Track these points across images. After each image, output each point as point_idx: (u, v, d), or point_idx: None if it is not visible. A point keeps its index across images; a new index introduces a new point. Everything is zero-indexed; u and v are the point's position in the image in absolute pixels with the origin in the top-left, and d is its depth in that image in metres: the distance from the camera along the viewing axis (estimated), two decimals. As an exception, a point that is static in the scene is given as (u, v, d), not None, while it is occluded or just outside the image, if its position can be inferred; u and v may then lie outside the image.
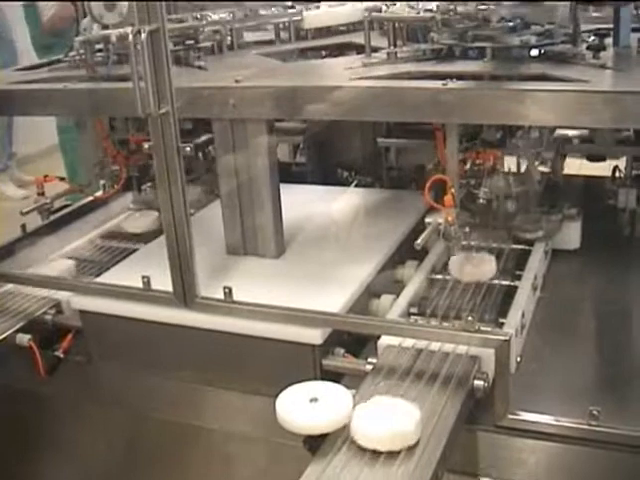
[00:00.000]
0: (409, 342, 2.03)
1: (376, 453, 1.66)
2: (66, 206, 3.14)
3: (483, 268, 2.40)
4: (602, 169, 2.99)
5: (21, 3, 6.52)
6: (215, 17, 2.79)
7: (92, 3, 2.53)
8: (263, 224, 2.43)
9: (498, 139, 2.40)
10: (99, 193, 3.01)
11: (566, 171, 2.88)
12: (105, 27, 2.61)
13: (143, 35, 1.89)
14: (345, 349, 2.14)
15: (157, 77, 1.94)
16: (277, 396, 1.80)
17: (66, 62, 2.85)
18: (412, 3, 2.59)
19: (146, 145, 2.09)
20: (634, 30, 2.37)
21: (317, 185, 3.12)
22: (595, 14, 2.62)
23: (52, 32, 6.16)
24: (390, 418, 1.69)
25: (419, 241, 2.15)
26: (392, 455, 1.66)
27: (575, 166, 3.09)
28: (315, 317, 2.07)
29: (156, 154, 2.04)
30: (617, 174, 2.87)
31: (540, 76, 2.06)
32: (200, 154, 2.93)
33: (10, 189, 7.86)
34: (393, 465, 1.64)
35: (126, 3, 2.53)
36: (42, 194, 2.86)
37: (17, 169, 8.22)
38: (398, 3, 2.60)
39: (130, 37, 1.91)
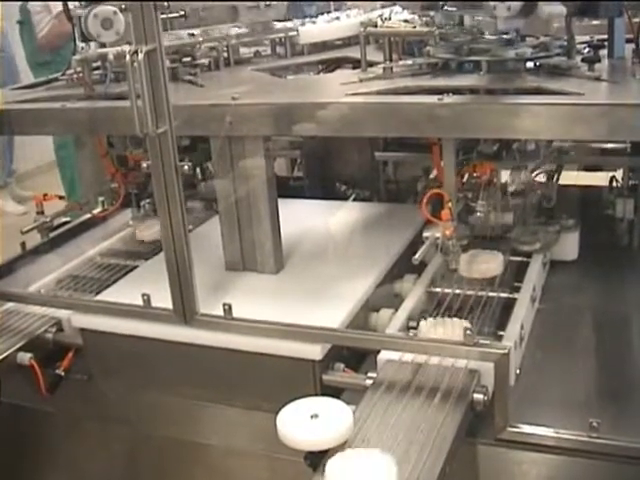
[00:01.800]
0: (409, 356, 2.03)
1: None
2: (66, 223, 3.14)
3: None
4: (599, 179, 3.01)
5: (16, 20, 6.53)
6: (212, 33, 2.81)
7: (89, 22, 2.53)
8: (262, 240, 2.43)
9: (495, 152, 2.41)
10: (98, 210, 3.02)
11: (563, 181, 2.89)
12: (102, 45, 2.62)
13: (140, 55, 1.90)
14: (345, 364, 2.15)
15: (155, 97, 1.95)
16: (278, 412, 1.80)
17: (63, 80, 2.86)
18: (408, 17, 2.61)
19: (144, 164, 2.09)
20: (628, 41, 2.37)
21: (315, 199, 3.13)
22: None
23: (48, 49, 6.16)
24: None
25: (417, 256, 2.16)
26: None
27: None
28: (315, 333, 2.07)
29: (154, 173, 2.05)
30: (614, 184, 2.88)
31: (535, 89, 2.07)
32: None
33: (9, 205, 7.87)
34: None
35: (122, 22, 2.54)
36: (42, 213, 2.86)
37: (16, 185, 8.23)
38: (394, 17, 2.62)
39: (127, 57, 1.92)
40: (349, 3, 3.40)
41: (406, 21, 2.62)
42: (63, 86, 2.81)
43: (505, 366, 1.89)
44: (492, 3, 1.99)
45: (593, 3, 2.19)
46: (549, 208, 2.69)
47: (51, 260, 2.89)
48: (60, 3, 5.04)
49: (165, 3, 1.93)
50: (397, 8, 2.90)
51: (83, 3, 2.57)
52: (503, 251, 2.50)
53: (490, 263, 2.43)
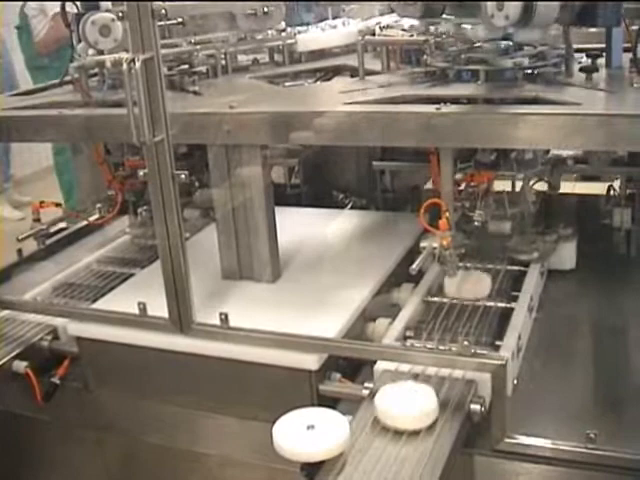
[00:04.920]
0: (405, 366, 2.02)
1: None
2: (63, 229, 3.14)
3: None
4: (597, 188, 3.01)
5: (14, 25, 6.54)
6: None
7: (87, 29, 2.54)
8: (259, 249, 2.43)
9: (492, 161, 2.40)
10: (95, 217, 3.01)
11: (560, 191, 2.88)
12: (100, 52, 2.62)
13: (137, 63, 1.89)
14: (341, 374, 2.14)
15: (151, 105, 1.94)
16: (274, 422, 1.80)
17: (61, 86, 2.86)
18: (406, 26, 2.61)
19: (141, 172, 2.09)
20: (626, 50, 2.37)
21: (312, 208, 3.13)
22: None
23: (46, 52, 6.16)
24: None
25: (414, 266, 2.15)
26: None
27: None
28: (311, 342, 2.07)
29: (151, 181, 2.05)
30: (612, 193, 2.88)
31: (533, 99, 2.07)
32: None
33: (7, 211, 7.85)
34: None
35: (120, 29, 2.54)
36: (38, 220, 2.85)
37: (14, 191, 8.22)
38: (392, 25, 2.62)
39: (124, 65, 1.91)
40: (347, 9, 3.40)
41: (404, 30, 2.62)
42: (61, 93, 2.81)
43: (502, 377, 1.88)
44: (490, 12, 1.99)
45: (591, 12, 2.19)
46: (547, 217, 2.68)
47: (47, 267, 2.88)
48: (56, 5, 5.07)
49: (163, 11, 1.92)
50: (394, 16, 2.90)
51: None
52: (500, 260, 2.50)
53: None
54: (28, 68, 6.62)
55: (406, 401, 1.83)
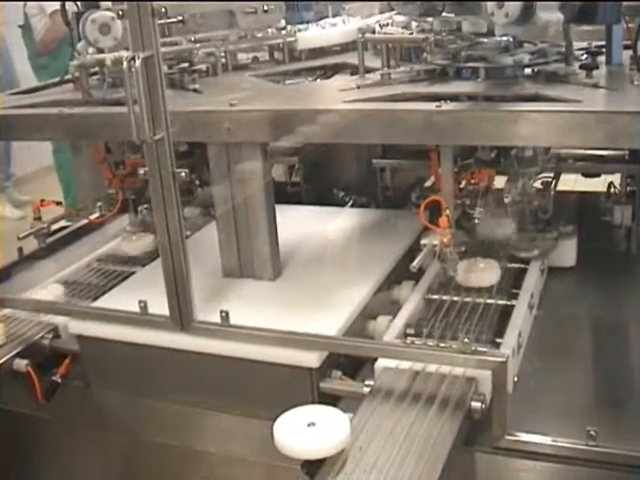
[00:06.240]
0: (406, 364, 2.03)
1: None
2: (64, 227, 3.14)
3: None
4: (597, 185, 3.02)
5: (18, 23, 6.54)
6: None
7: (87, 28, 2.54)
8: (259, 247, 2.43)
9: (492, 159, 2.40)
10: (95, 216, 3.02)
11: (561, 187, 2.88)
12: (100, 50, 2.62)
13: (137, 62, 1.89)
14: (342, 371, 2.14)
15: (152, 103, 1.94)
16: (275, 419, 1.80)
17: (62, 85, 2.86)
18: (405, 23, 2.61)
19: (142, 170, 2.08)
20: (626, 47, 2.37)
21: (312, 205, 3.13)
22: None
23: (45, 51, 6.16)
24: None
25: (415, 264, 2.15)
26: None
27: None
28: (312, 340, 2.07)
29: (152, 179, 2.05)
30: (612, 191, 2.88)
31: (533, 96, 2.07)
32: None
33: (7, 209, 7.85)
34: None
35: (120, 27, 2.54)
36: (39, 219, 2.85)
37: (14, 189, 8.22)
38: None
39: (124, 64, 1.91)
40: (347, 7, 3.40)
41: (405, 27, 2.62)
42: (61, 91, 2.81)
43: (503, 374, 1.88)
44: (490, 10, 1.99)
45: (591, 10, 2.19)
46: (547, 215, 2.68)
47: (48, 266, 2.88)
48: (54, 4, 5.07)
49: (163, 9, 1.92)
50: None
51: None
52: (501, 258, 2.50)
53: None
54: (32, 66, 6.63)
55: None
